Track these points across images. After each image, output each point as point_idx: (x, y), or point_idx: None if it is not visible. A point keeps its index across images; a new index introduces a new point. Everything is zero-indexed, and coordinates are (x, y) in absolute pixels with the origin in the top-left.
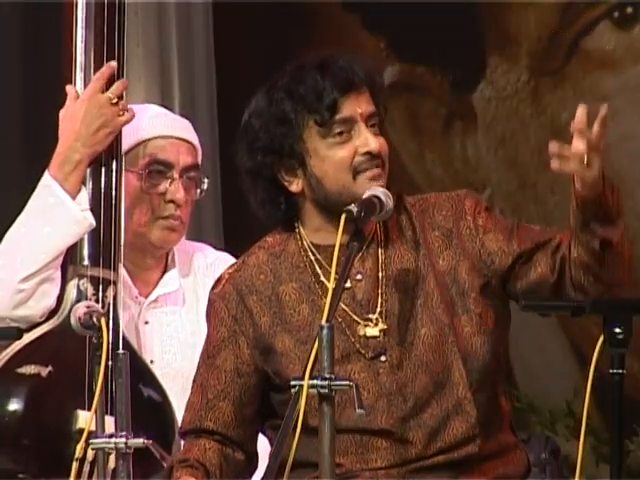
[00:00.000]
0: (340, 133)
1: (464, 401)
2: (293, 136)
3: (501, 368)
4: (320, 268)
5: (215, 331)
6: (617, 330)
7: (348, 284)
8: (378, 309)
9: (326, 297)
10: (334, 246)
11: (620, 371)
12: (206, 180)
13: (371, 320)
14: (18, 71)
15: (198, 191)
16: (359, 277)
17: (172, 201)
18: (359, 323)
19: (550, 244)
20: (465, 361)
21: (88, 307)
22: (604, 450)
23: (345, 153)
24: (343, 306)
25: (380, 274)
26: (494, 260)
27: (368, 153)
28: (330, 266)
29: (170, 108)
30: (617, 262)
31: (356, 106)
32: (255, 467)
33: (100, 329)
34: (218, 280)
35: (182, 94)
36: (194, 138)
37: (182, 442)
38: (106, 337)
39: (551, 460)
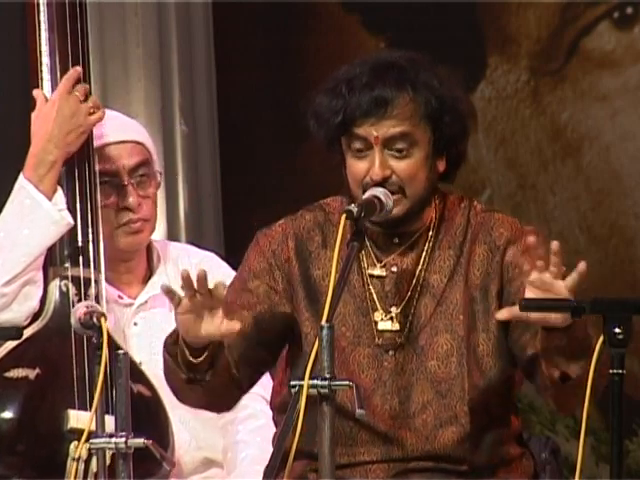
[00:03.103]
0: (359, 149)
1: (460, 413)
2: (328, 134)
3: (511, 387)
4: (364, 250)
5: (254, 261)
6: (617, 330)
7: (384, 273)
8: (402, 306)
9: (360, 281)
10: (378, 234)
11: (620, 371)
12: (160, 172)
13: (391, 313)
14: (20, 71)
15: (155, 184)
16: (394, 269)
17: (126, 207)
18: (377, 310)
19: None
20: (471, 376)
21: (88, 307)
22: (604, 450)
23: (358, 168)
24: (372, 290)
25: (416, 273)
26: (500, 301)
27: (372, 178)
28: (371, 253)
29: (170, 109)
30: (571, 395)
31: (372, 129)
32: (237, 395)
33: (100, 329)
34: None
35: (182, 94)
36: (136, 134)
37: None
38: (106, 337)
39: (551, 460)
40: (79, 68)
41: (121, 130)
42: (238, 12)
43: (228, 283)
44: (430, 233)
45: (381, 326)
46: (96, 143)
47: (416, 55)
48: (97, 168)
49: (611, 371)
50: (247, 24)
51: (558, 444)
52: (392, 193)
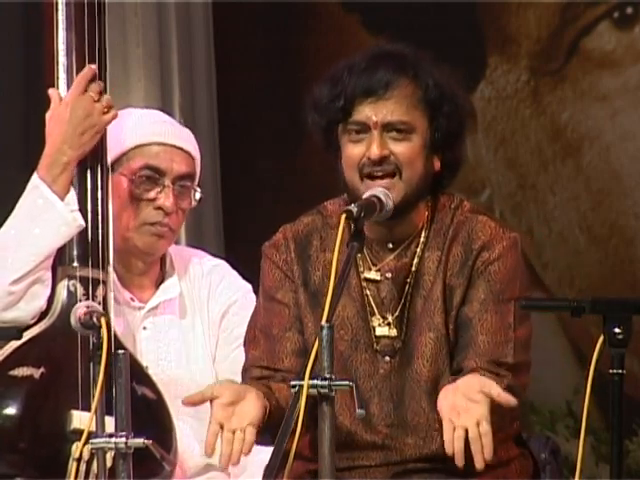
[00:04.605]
0: (357, 132)
1: None
2: (327, 122)
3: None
4: (360, 254)
5: (270, 275)
6: (617, 330)
7: (378, 277)
8: (397, 312)
9: (358, 284)
10: (372, 239)
11: (620, 371)
12: (199, 191)
13: (387, 319)
14: (20, 73)
15: (190, 201)
16: (389, 275)
17: (160, 208)
18: (375, 315)
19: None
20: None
21: (88, 307)
22: (604, 450)
23: (355, 151)
24: (369, 295)
25: (409, 279)
26: (460, 306)
27: (369, 158)
28: (367, 257)
29: (170, 109)
30: None
31: (372, 113)
32: None
33: (100, 329)
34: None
35: (182, 94)
36: (192, 148)
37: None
38: (106, 337)
39: (551, 460)
40: (94, 66)
41: (180, 137)
42: (238, 12)
43: (237, 292)
44: (422, 237)
45: (379, 332)
46: (151, 138)
47: (418, 50)
48: (121, 160)
49: (611, 371)
50: (247, 24)
51: (558, 444)
52: (388, 175)
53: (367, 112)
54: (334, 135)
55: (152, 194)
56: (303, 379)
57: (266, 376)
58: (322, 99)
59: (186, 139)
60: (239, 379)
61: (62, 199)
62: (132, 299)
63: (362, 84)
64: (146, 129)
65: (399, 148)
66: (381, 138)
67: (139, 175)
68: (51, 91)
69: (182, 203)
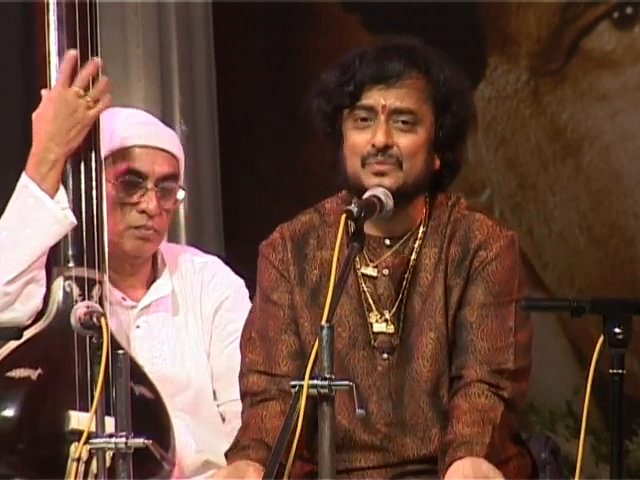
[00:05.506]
0: (364, 119)
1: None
2: (334, 107)
3: None
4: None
5: (266, 274)
6: (617, 330)
7: (375, 273)
8: (394, 309)
9: (355, 280)
10: (369, 235)
11: (620, 371)
12: (182, 191)
13: (384, 316)
14: (19, 73)
15: (174, 201)
16: (386, 272)
17: (144, 212)
18: (372, 311)
19: (464, 378)
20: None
21: (88, 307)
22: (604, 450)
23: (359, 139)
24: (367, 292)
25: (406, 275)
26: (459, 307)
27: (373, 146)
28: (364, 253)
29: (170, 109)
30: None
31: (381, 98)
32: None
33: (100, 329)
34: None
35: (182, 94)
36: (174, 147)
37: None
38: (106, 337)
39: (551, 460)
40: (73, 52)
41: (161, 138)
42: (238, 12)
43: (229, 288)
44: (419, 233)
45: (376, 328)
46: (132, 141)
47: (428, 46)
48: (105, 163)
49: (611, 371)
50: (247, 24)
51: (558, 444)
52: (389, 164)
53: (376, 97)
54: (338, 122)
55: (135, 198)
56: (303, 379)
57: (263, 390)
58: (330, 84)
59: (168, 139)
60: (234, 374)
61: (52, 197)
62: (124, 298)
63: (374, 71)
64: (126, 132)
65: (404, 141)
66: (387, 125)
67: (121, 180)
68: (44, 92)
69: (166, 204)
